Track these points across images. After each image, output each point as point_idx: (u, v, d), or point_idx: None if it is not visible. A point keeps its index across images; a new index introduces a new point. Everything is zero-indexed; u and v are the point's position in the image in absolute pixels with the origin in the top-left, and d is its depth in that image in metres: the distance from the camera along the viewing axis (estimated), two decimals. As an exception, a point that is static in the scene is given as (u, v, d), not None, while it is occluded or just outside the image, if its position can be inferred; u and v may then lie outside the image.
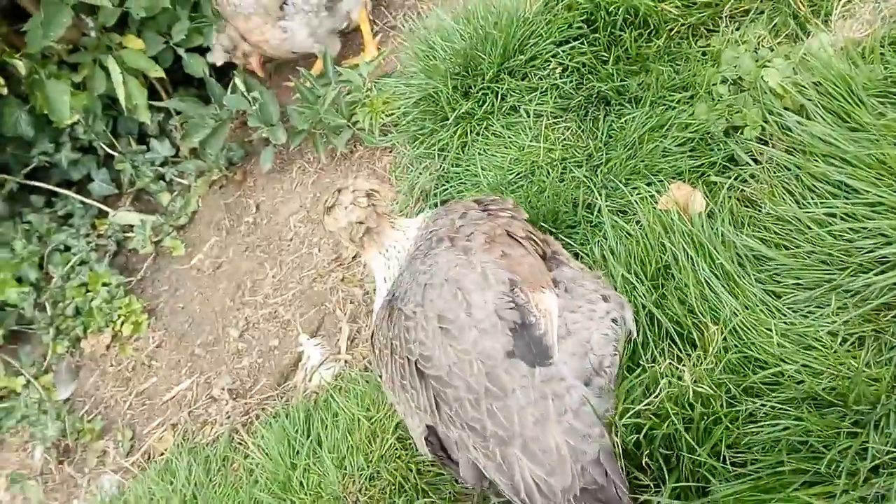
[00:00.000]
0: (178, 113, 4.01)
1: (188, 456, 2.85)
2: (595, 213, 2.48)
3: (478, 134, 2.93)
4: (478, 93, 2.95)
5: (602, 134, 2.68)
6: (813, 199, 2.07)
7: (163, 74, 3.87)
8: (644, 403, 1.77)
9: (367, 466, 2.34)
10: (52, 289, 3.75)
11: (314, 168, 3.71)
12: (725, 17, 2.66)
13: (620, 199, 2.45)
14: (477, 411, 1.70)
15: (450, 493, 2.19)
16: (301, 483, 2.42)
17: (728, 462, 1.68)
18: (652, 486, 1.79)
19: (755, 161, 2.31)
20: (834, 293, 1.94)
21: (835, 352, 1.82)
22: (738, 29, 2.63)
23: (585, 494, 1.63)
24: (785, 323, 1.92)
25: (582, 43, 2.82)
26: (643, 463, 1.78)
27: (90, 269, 3.80)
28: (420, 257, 1.96)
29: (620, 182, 2.48)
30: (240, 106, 3.72)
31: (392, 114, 3.36)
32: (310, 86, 3.57)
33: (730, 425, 1.70)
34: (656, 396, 1.78)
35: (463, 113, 2.94)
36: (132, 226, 3.97)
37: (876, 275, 1.87)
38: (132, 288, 3.81)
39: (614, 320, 1.91)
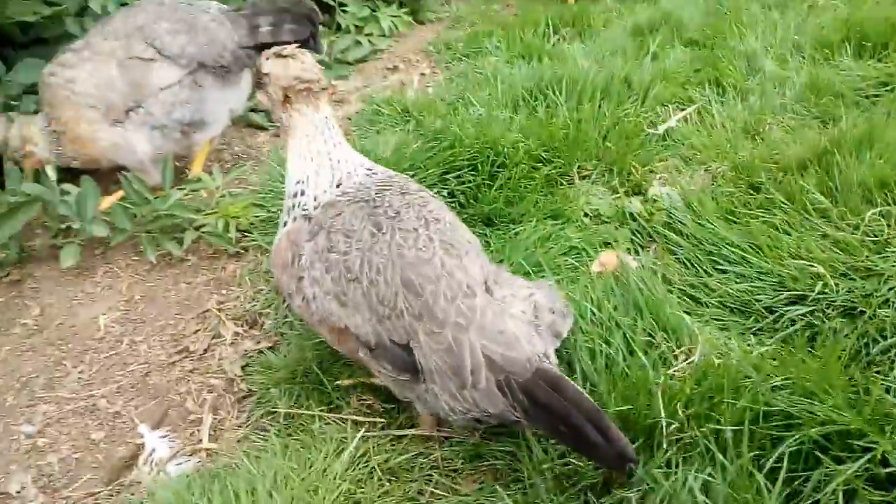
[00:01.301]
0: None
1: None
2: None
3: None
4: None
5: (492, 245, 2.93)
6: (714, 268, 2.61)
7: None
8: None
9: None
10: None
11: (128, 273, 3.14)
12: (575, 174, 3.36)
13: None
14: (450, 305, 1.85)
15: None
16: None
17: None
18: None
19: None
20: (749, 333, 2.38)
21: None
22: (588, 182, 3.32)
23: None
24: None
25: (467, 173, 3.23)
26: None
27: None
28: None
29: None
30: (44, 196, 3.10)
31: (250, 220, 3.21)
32: (137, 188, 3.22)
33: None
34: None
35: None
36: None
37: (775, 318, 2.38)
38: None
39: None
